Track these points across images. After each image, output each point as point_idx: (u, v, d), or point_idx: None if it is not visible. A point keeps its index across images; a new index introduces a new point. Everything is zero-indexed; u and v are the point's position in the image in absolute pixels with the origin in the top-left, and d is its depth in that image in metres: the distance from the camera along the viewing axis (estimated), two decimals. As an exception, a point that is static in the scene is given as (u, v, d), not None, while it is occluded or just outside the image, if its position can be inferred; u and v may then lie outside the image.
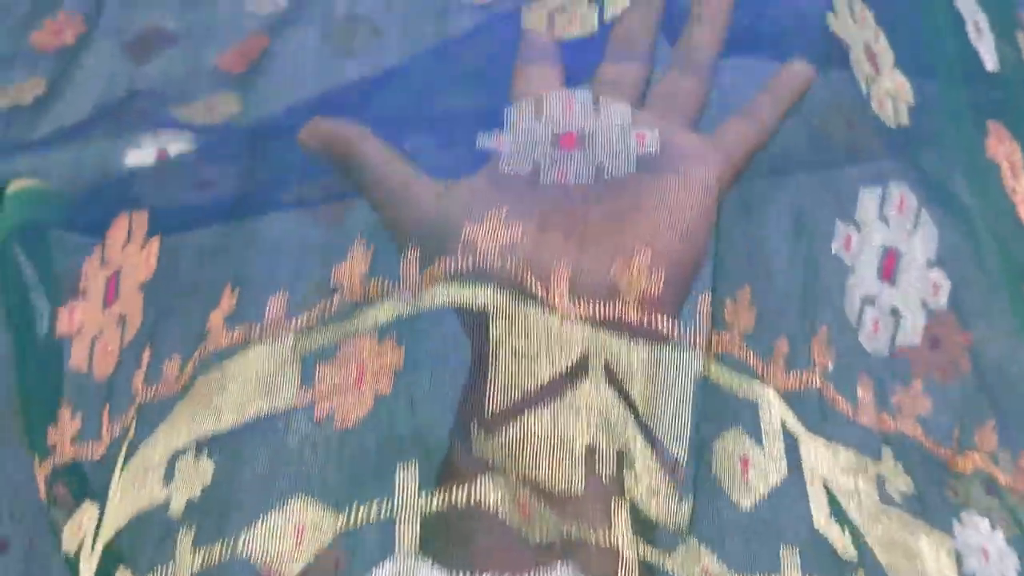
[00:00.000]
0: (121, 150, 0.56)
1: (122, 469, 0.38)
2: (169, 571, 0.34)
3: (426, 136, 0.44)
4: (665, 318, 0.36)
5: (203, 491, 0.35)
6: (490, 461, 0.33)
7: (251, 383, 0.36)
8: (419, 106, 0.45)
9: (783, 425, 0.37)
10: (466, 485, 0.33)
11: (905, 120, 0.44)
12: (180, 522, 0.35)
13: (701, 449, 0.35)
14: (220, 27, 0.60)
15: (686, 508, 0.34)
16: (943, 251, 0.43)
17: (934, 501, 0.40)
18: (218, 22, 0.60)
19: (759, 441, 0.37)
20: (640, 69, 0.43)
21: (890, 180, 0.43)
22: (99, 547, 0.37)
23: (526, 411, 0.34)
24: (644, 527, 0.34)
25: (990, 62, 0.49)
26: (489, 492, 0.33)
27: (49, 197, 0.50)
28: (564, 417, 0.34)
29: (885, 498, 0.39)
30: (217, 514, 0.35)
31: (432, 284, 0.36)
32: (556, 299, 0.36)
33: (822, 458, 0.38)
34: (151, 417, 0.38)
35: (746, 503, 0.36)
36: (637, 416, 0.35)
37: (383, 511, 0.32)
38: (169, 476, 0.36)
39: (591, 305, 0.36)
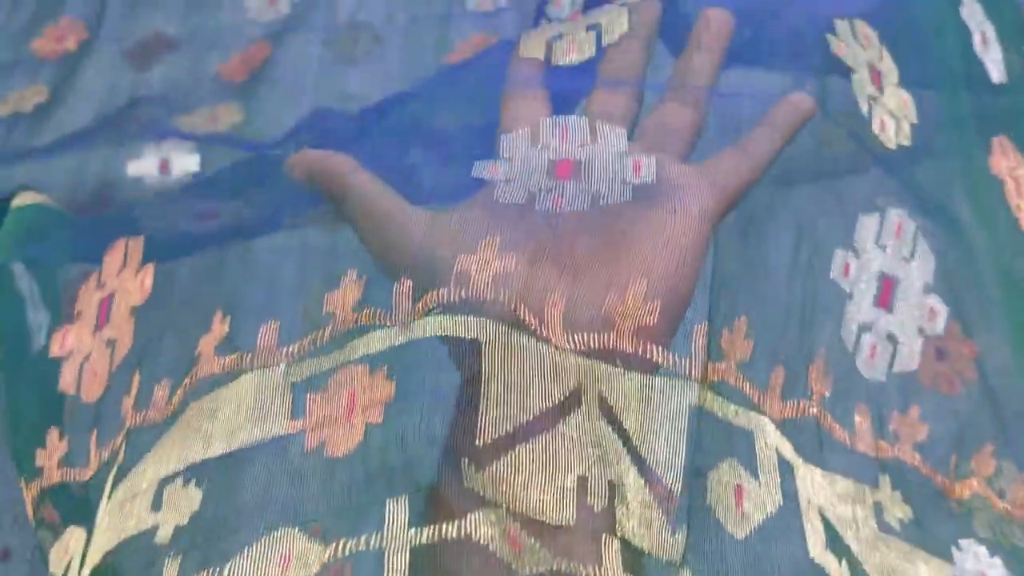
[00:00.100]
0: (123, 160, 0.56)
1: (110, 494, 0.38)
2: None
3: (425, 153, 0.44)
4: (660, 348, 0.36)
5: (191, 518, 0.35)
6: (481, 493, 0.33)
7: (242, 411, 0.36)
8: (419, 125, 0.45)
9: (779, 454, 0.37)
10: (456, 520, 0.32)
11: (907, 140, 0.44)
12: (167, 549, 0.34)
13: (696, 480, 0.35)
14: (222, 34, 0.60)
15: (680, 540, 0.34)
16: (941, 273, 0.43)
17: (933, 528, 0.40)
18: (220, 29, 0.60)
19: (754, 471, 0.36)
20: (631, 97, 0.42)
21: (888, 206, 0.43)
22: (86, 572, 0.37)
23: (517, 443, 0.34)
24: (634, 561, 0.34)
25: (996, 74, 0.49)
26: (480, 526, 0.33)
27: (53, 216, 0.50)
28: (556, 449, 0.34)
29: (883, 526, 0.39)
30: (204, 542, 0.35)
31: (424, 314, 0.36)
32: (549, 330, 0.35)
33: (819, 487, 0.38)
34: (140, 442, 0.38)
35: (741, 533, 0.35)
36: (631, 447, 0.35)
37: (372, 543, 0.32)
38: (157, 502, 0.36)
39: (585, 336, 0.35)
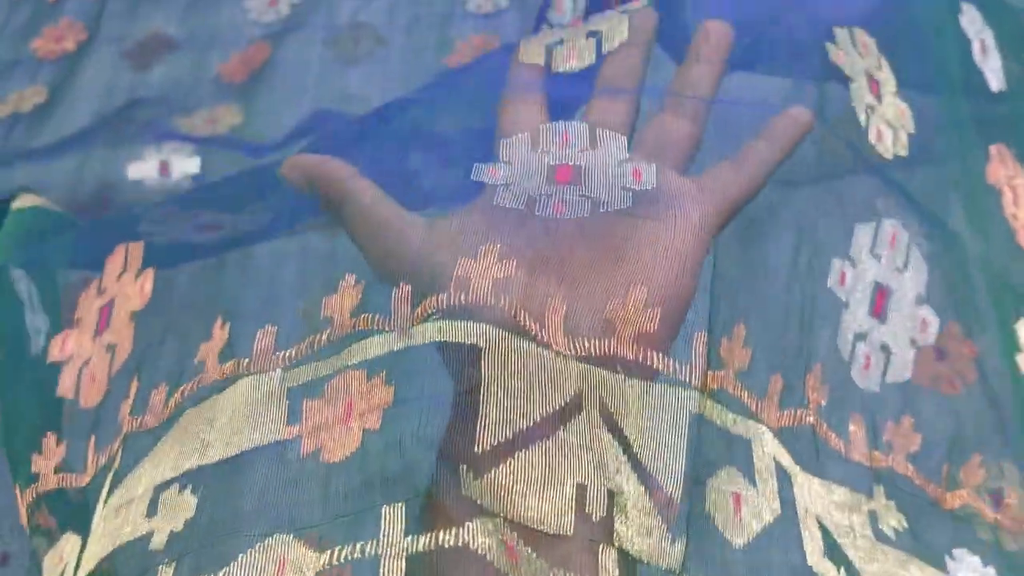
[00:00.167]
0: (123, 162, 0.56)
1: (106, 500, 0.38)
2: None
3: (425, 157, 0.44)
4: (661, 356, 0.35)
5: (185, 524, 0.35)
6: (478, 501, 0.33)
7: (238, 417, 0.36)
8: (419, 129, 0.45)
9: (777, 463, 0.37)
10: (454, 528, 0.32)
11: (903, 150, 0.44)
12: (161, 556, 0.34)
13: (695, 487, 0.35)
14: (222, 35, 0.59)
15: (679, 548, 0.34)
16: (937, 277, 0.43)
17: (927, 537, 0.40)
18: (220, 30, 0.60)
19: (752, 479, 0.36)
20: (629, 106, 0.42)
21: (883, 216, 0.43)
22: None
23: (517, 450, 0.33)
24: (630, 571, 0.34)
25: (995, 82, 0.49)
26: (477, 535, 0.32)
27: (52, 219, 0.50)
28: (555, 456, 0.33)
29: (879, 535, 0.39)
30: (198, 548, 0.34)
31: (423, 320, 0.35)
32: (550, 336, 0.35)
33: (816, 495, 0.38)
34: (136, 447, 0.38)
35: (739, 541, 0.35)
36: (631, 454, 0.34)
37: (368, 550, 0.32)
38: (152, 509, 0.36)
39: (586, 342, 0.35)
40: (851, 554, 0.37)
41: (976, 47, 0.48)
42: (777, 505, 0.36)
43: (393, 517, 0.33)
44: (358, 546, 0.32)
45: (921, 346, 0.42)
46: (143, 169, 0.55)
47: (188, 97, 0.58)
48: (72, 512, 0.40)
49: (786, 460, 0.37)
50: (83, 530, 0.38)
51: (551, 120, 0.41)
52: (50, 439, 0.41)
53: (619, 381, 0.35)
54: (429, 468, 0.35)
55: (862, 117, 0.42)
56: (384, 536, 0.32)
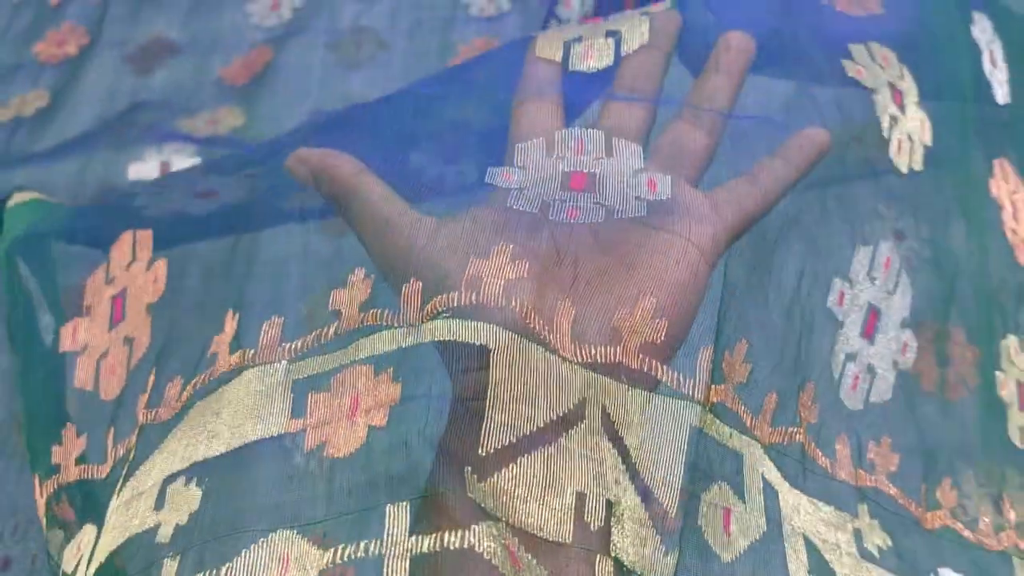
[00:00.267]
0: (124, 163, 0.56)
1: (119, 492, 0.37)
2: None
3: (431, 151, 0.44)
4: (665, 368, 0.35)
5: (190, 518, 0.34)
6: (482, 504, 0.32)
7: (243, 408, 0.36)
8: (425, 122, 0.44)
9: (764, 479, 0.37)
10: (459, 530, 0.32)
11: (919, 164, 0.44)
12: (167, 549, 0.34)
13: (690, 501, 0.35)
14: (224, 38, 0.60)
15: (671, 561, 0.34)
16: (934, 287, 0.43)
17: (910, 557, 0.40)
18: (222, 33, 0.60)
19: (741, 494, 0.36)
20: (646, 112, 0.41)
21: (881, 240, 0.43)
22: (92, 570, 0.36)
23: (520, 455, 0.33)
24: None
25: (1002, 95, 0.49)
26: (483, 538, 0.32)
27: (51, 209, 0.50)
28: (557, 463, 0.33)
29: (864, 553, 0.39)
30: (202, 542, 0.34)
31: (433, 317, 0.35)
32: (559, 341, 0.35)
33: (804, 512, 0.38)
34: (149, 440, 0.38)
35: (728, 557, 0.35)
36: (629, 464, 0.34)
37: (371, 550, 0.32)
38: (160, 501, 0.35)
39: (592, 349, 0.35)
40: (837, 571, 0.37)
41: (986, 58, 0.48)
42: (763, 522, 0.36)
43: (397, 516, 0.33)
44: (362, 545, 0.32)
45: (902, 369, 0.42)
46: (144, 170, 0.55)
47: (190, 100, 0.58)
48: (91, 504, 0.39)
49: (774, 476, 0.37)
50: (100, 522, 0.37)
51: (566, 122, 0.41)
52: (70, 430, 0.41)
53: (623, 390, 0.35)
54: (433, 467, 0.34)
55: (885, 128, 0.42)
56: (388, 535, 0.32)
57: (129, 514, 0.36)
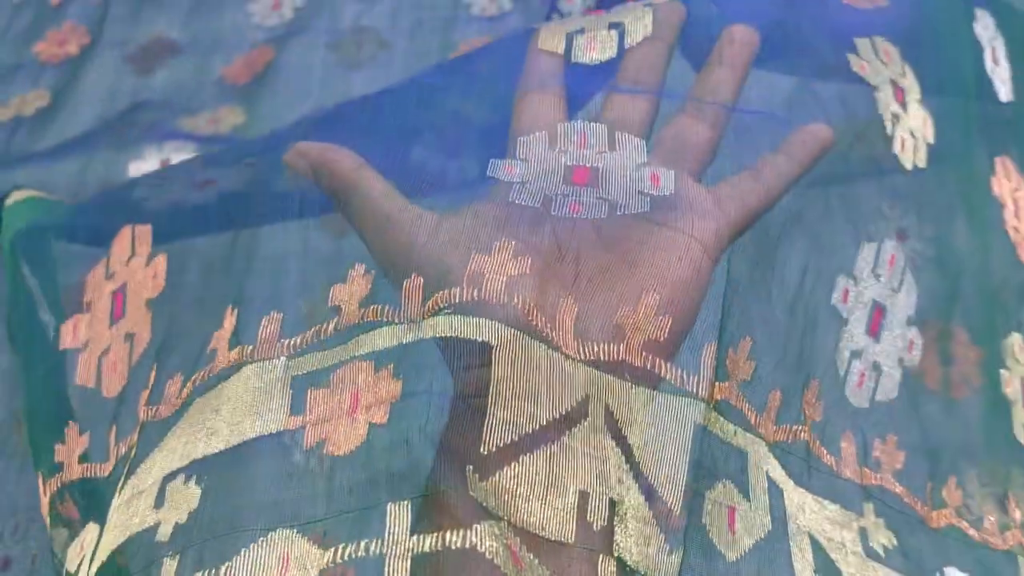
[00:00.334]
0: (125, 162, 0.56)
1: (120, 490, 0.37)
2: None
3: (433, 146, 0.43)
4: (669, 365, 0.35)
5: (190, 516, 0.34)
6: (484, 503, 0.32)
7: (242, 405, 0.35)
8: (427, 114, 0.44)
9: (768, 478, 0.37)
10: (461, 530, 0.31)
11: (923, 161, 0.43)
12: (166, 548, 0.34)
13: (694, 499, 0.35)
14: (225, 38, 0.60)
15: (675, 560, 0.33)
16: (925, 302, 0.43)
17: (916, 556, 0.40)
18: (223, 33, 0.60)
19: (746, 493, 0.36)
20: (649, 104, 0.41)
21: (885, 237, 0.43)
22: (94, 569, 0.36)
23: (522, 453, 0.33)
24: None
25: (1004, 93, 0.48)
26: (485, 538, 0.31)
27: (50, 207, 0.50)
28: (560, 462, 0.33)
29: (869, 552, 0.39)
30: (202, 541, 0.34)
31: (434, 313, 0.35)
32: (561, 338, 0.34)
33: (809, 511, 0.38)
34: (149, 438, 0.38)
35: (732, 556, 0.35)
36: (633, 463, 0.34)
37: (372, 549, 0.32)
38: (160, 500, 0.35)
39: (595, 347, 0.35)
40: (843, 570, 0.37)
41: (988, 55, 0.48)
42: (768, 521, 0.36)
43: (399, 515, 0.32)
44: (362, 544, 0.32)
45: (908, 366, 0.42)
46: (144, 168, 0.55)
47: (191, 100, 0.58)
48: (95, 502, 0.39)
49: (779, 475, 0.37)
50: (103, 520, 0.37)
51: (569, 115, 0.40)
52: (72, 428, 0.41)
53: (626, 388, 0.34)
54: (434, 465, 0.34)
55: (888, 126, 0.42)
56: (389, 535, 0.32)
57: (130, 512, 0.35)
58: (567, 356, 0.34)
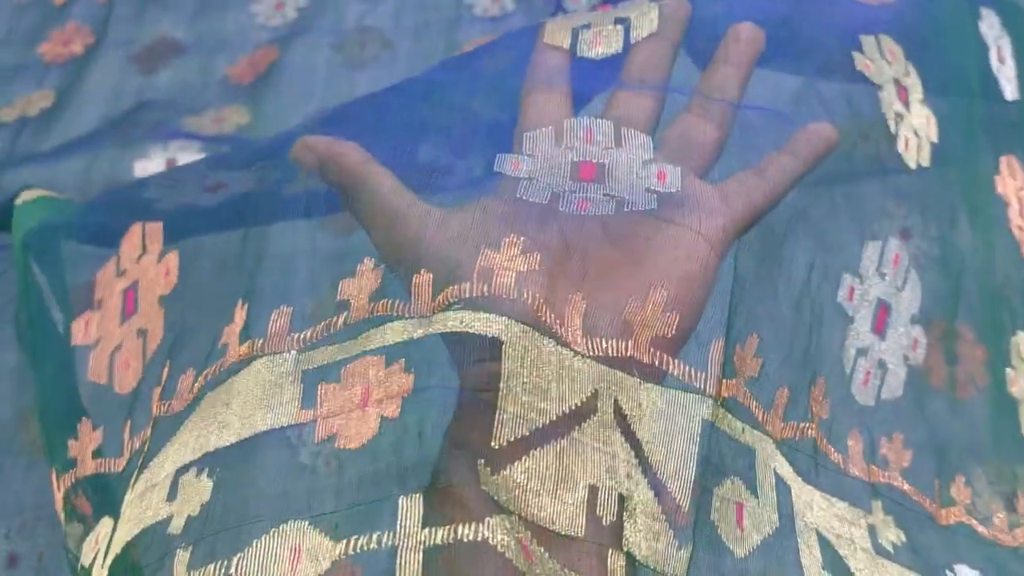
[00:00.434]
0: (130, 161, 0.56)
1: (133, 485, 0.37)
2: None
3: (440, 144, 0.43)
4: (677, 361, 0.35)
5: (202, 508, 0.34)
6: (495, 497, 0.32)
7: (253, 399, 0.35)
8: (434, 112, 0.44)
9: (776, 475, 0.37)
10: (473, 523, 0.32)
11: (926, 160, 0.44)
12: (179, 540, 0.34)
13: (703, 495, 0.35)
14: (229, 38, 0.60)
15: (684, 555, 0.33)
16: (940, 286, 0.43)
17: (925, 553, 0.40)
18: (227, 34, 0.60)
19: (754, 490, 0.36)
20: (654, 101, 0.41)
21: (889, 236, 0.43)
22: (108, 562, 0.36)
23: (532, 448, 0.33)
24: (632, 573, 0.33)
25: (1010, 92, 0.48)
26: (497, 531, 0.31)
27: (60, 206, 0.50)
28: (569, 456, 0.33)
29: (878, 548, 0.39)
30: (214, 533, 0.34)
31: (445, 309, 0.35)
32: (570, 334, 0.34)
33: (817, 508, 0.38)
34: (162, 432, 0.38)
35: (741, 552, 0.35)
36: (642, 458, 0.34)
37: (384, 541, 0.32)
38: (172, 493, 0.35)
39: (604, 343, 0.35)
40: (851, 566, 0.37)
41: (993, 54, 0.48)
42: (776, 518, 0.36)
43: (410, 508, 0.32)
44: (375, 536, 0.32)
45: (912, 364, 0.42)
46: (150, 167, 0.55)
47: (195, 100, 0.58)
48: (108, 497, 0.39)
49: (786, 472, 0.37)
50: (117, 515, 0.37)
51: (575, 112, 0.40)
52: (85, 424, 0.41)
53: (634, 384, 0.35)
54: (445, 459, 0.34)
55: (892, 125, 0.42)
56: (401, 527, 0.32)
57: (143, 506, 0.36)
58: (576, 352, 0.34)
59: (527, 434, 0.33)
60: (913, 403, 0.43)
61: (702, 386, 0.35)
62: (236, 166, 0.45)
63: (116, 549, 0.35)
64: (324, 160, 0.40)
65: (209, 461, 0.35)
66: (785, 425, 0.38)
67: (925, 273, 0.44)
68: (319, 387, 0.35)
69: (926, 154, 0.43)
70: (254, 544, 0.32)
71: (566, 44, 0.42)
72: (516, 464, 0.33)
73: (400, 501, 0.32)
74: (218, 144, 0.56)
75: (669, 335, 0.35)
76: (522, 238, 0.36)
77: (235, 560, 0.32)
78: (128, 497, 0.37)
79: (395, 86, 0.44)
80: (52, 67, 0.59)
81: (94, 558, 0.37)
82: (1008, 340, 0.45)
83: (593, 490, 0.33)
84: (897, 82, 0.43)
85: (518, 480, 0.32)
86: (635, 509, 0.33)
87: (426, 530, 0.32)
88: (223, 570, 0.32)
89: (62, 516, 0.40)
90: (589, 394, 0.34)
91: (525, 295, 0.34)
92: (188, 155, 0.55)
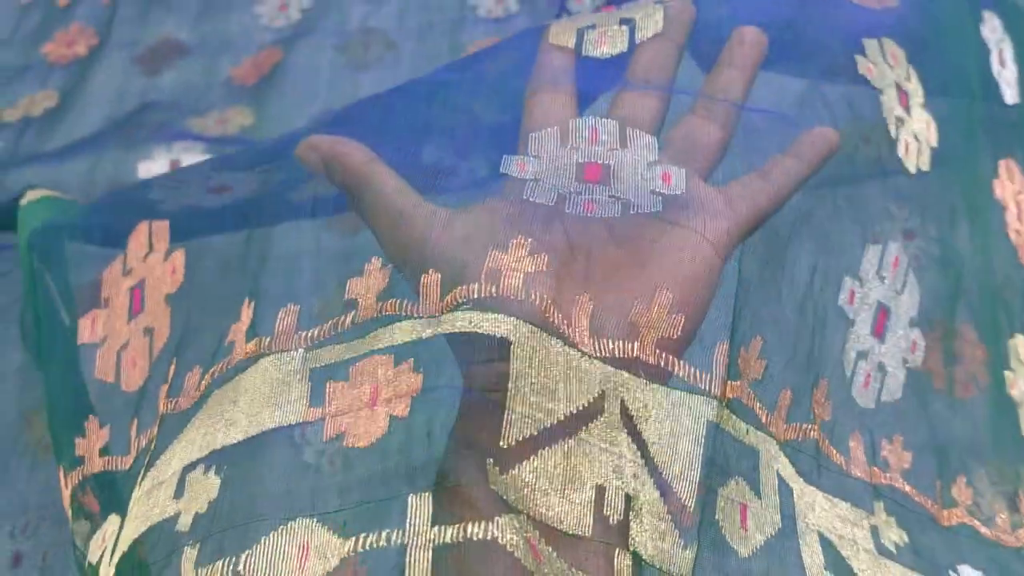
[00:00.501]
0: (133, 162, 0.56)
1: (140, 482, 0.37)
2: None
3: (444, 146, 0.43)
4: (683, 363, 0.35)
5: (209, 505, 0.34)
6: (504, 496, 0.32)
7: (260, 396, 0.35)
8: (439, 111, 0.44)
9: (779, 476, 0.37)
10: (483, 521, 0.32)
11: (926, 164, 0.44)
12: (186, 537, 0.34)
13: (707, 496, 0.35)
14: (233, 40, 0.60)
15: (689, 555, 0.34)
16: (930, 303, 0.44)
17: (928, 553, 0.40)
18: (231, 35, 0.60)
19: (757, 491, 0.36)
20: (659, 102, 0.41)
21: (889, 240, 0.43)
22: (115, 559, 0.36)
23: (540, 447, 0.33)
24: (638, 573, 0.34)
25: (1010, 95, 0.49)
26: (506, 530, 0.32)
27: (65, 206, 0.50)
28: (577, 456, 0.33)
29: (881, 549, 0.39)
30: (221, 531, 0.34)
31: (454, 309, 0.35)
32: (578, 335, 0.35)
33: (819, 509, 0.38)
34: (168, 430, 0.38)
35: (744, 552, 0.35)
36: (648, 459, 0.34)
37: (394, 539, 0.31)
38: (180, 490, 0.35)
39: (610, 344, 0.35)
40: (854, 567, 0.37)
41: (994, 57, 0.48)
42: (778, 518, 0.36)
43: (419, 507, 0.32)
44: (383, 534, 0.32)
45: (911, 367, 0.42)
46: (154, 168, 0.55)
47: (199, 101, 0.58)
48: (116, 495, 0.39)
49: (789, 473, 0.38)
50: (124, 512, 0.37)
51: (580, 112, 0.40)
52: (92, 422, 0.41)
53: (640, 385, 0.35)
54: (453, 459, 0.34)
55: (892, 129, 0.42)
56: (411, 525, 0.32)
57: (150, 503, 0.36)
58: (583, 353, 0.34)
59: (535, 434, 0.33)
60: (913, 405, 0.43)
61: (707, 387, 0.35)
62: (240, 167, 0.45)
63: (123, 547, 0.35)
64: (328, 159, 0.40)
65: (216, 458, 0.35)
66: (788, 427, 0.38)
67: (926, 274, 0.44)
68: (327, 385, 0.35)
69: (926, 158, 0.44)
70: (262, 541, 0.32)
71: (571, 44, 0.42)
72: (524, 463, 0.33)
73: (410, 499, 0.32)
74: (222, 145, 0.56)
75: (675, 336, 0.35)
76: (529, 239, 0.36)
77: (243, 557, 0.32)
78: (135, 495, 0.37)
79: (399, 88, 0.44)
80: (56, 68, 0.59)
81: (101, 555, 0.37)
82: (1006, 343, 0.46)
83: (600, 490, 0.33)
84: (898, 87, 0.43)
85: (526, 479, 0.32)
86: (641, 509, 0.33)
87: (436, 528, 0.32)
88: (231, 567, 0.32)
89: (69, 513, 0.40)
90: (596, 395, 0.34)
91: (533, 296, 0.35)
92: (192, 156, 0.55)
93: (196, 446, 0.35)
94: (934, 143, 0.44)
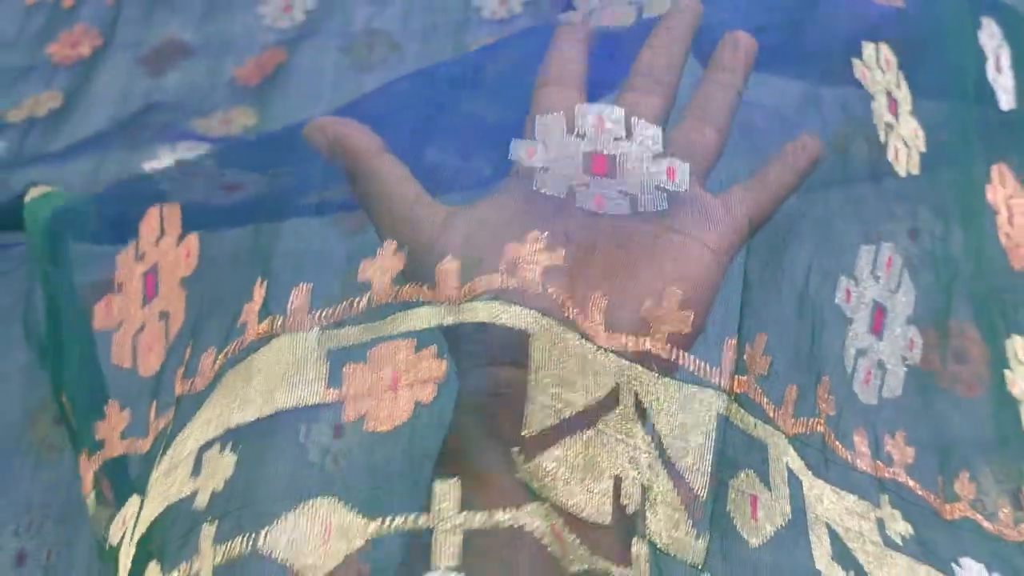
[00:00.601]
0: (138, 162, 0.56)
1: (158, 464, 0.37)
2: (193, 567, 0.33)
3: (448, 145, 0.44)
4: (693, 357, 0.36)
5: (226, 483, 0.34)
6: (530, 485, 0.33)
7: (274, 376, 0.35)
8: (441, 113, 0.45)
9: (788, 469, 0.38)
10: (512, 508, 0.32)
11: (916, 168, 0.44)
12: (204, 515, 0.33)
13: (719, 488, 0.35)
14: (237, 40, 0.60)
15: (702, 544, 0.34)
16: (929, 302, 0.44)
17: (933, 546, 0.40)
18: (235, 36, 0.60)
19: (767, 483, 0.37)
20: (664, 100, 0.41)
21: (883, 240, 0.43)
22: (135, 540, 0.36)
23: (561, 437, 0.33)
24: (657, 564, 0.34)
25: (1005, 101, 0.49)
26: (534, 518, 0.32)
27: (69, 199, 0.50)
28: (595, 447, 0.34)
29: (887, 541, 0.39)
30: (238, 508, 0.34)
31: (473, 299, 0.35)
32: (593, 329, 0.35)
33: (827, 501, 0.38)
34: (184, 411, 0.37)
35: (755, 542, 0.36)
36: (661, 450, 0.34)
37: (421, 523, 0.31)
38: (197, 468, 0.35)
39: (623, 338, 0.35)
40: (860, 558, 0.38)
41: (991, 64, 0.48)
42: (788, 510, 0.37)
43: (447, 492, 0.32)
44: (410, 517, 0.31)
45: (910, 364, 0.42)
46: (157, 168, 0.55)
47: (203, 102, 0.58)
48: (129, 481, 0.39)
49: (798, 466, 0.38)
50: (143, 494, 0.37)
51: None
52: (113, 406, 0.41)
53: (653, 378, 0.35)
54: (477, 447, 0.34)
55: (882, 135, 0.43)
56: (438, 510, 0.32)
57: (168, 483, 0.36)
58: (599, 346, 0.35)
59: (556, 424, 0.33)
60: (915, 402, 0.44)
61: (716, 381, 0.36)
62: (246, 160, 0.45)
63: (143, 527, 0.35)
64: (334, 141, 0.40)
65: (232, 436, 0.35)
66: (795, 421, 0.39)
67: (920, 274, 0.44)
68: (345, 367, 0.34)
69: (915, 163, 0.44)
70: (284, 517, 0.32)
71: (578, 19, 0.42)
72: (546, 453, 0.33)
73: (436, 484, 0.32)
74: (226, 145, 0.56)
75: (685, 331, 0.36)
76: (546, 232, 0.36)
77: (263, 534, 0.32)
78: (153, 476, 0.37)
79: (401, 80, 0.45)
80: (60, 68, 0.59)
81: (122, 537, 0.37)
82: (1004, 342, 0.46)
83: (618, 480, 0.33)
84: (888, 93, 0.44)
85: (548, 469, 0.33)
86: (656, 499, 0.34)
87: (464, 514, 0.32)
88: (250, 544, 0.32)
89: (89, 500, 0.40)
90: (611, 387, 0.34)
91: (550, 289, 0.35)
92: (196, 156, 0.55)
93: (212, 425, 0.35)
94: (923, 148, 0.45)
